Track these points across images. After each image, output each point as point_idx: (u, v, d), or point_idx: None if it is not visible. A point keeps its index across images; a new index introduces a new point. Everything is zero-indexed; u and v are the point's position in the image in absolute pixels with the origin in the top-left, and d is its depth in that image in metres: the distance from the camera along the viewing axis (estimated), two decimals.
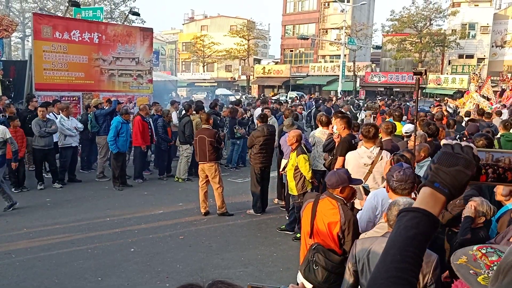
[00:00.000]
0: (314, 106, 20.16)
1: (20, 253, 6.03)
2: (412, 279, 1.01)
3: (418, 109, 6.67)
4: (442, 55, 41.11)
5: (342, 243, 3.52)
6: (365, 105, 21.56)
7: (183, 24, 69.40)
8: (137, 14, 24.15)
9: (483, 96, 15.52)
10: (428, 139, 6.81)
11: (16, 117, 9.51)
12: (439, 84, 36.86)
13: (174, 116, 12.42)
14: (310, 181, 6.79)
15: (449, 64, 41.08)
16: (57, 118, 10.04)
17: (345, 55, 37.61)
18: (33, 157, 9.80)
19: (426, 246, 1.07)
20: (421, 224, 1.06)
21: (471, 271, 1.26)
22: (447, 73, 39.01)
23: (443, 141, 5.77)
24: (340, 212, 3.54)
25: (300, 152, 6.75)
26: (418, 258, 1.04)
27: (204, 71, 55.87)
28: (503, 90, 18.38)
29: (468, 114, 12.08)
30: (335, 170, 3.90)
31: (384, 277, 1.02)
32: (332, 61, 45.03)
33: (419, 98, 6.95)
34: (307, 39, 37.46)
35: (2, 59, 13.80)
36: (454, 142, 1.14)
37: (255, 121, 11.33)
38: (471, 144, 1.13)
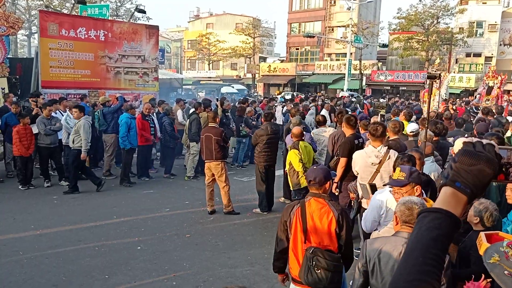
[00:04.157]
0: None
1: (28, 250, 6.04)
2: (435, 282, 0.99)
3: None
4: (449, 54, 40.88)
5: (339, 239, 3.49)
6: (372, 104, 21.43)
7: (188, 22, 69.51)
8: (143, 12, 24.24)
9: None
10: (434, 138, 6.77)
11: (26, 114, 9.53)
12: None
13: (180, 114, 12.40)
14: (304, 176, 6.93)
15: (456, 62, 40.84)
16: (63, 116, 10.05)
17: (351, 54, 37.47)
18: (38, 155, 9.82)
19: (448, 248, 1.05)
20: (444, 225, 1.04)
21: (505, 272, 1.21)
22: (454, 72, 38.77)
23: (461, 139, 5.71)
24: (331, 208, 3.50)
25: (293, 147, 7.02)
26: (440, 260, 1.02)
27: (209, 69, 55.92)
28: (491, 88, 17.86)
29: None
30: (314, 167, 3.80)
31: (406, 280, 1.00)
32: (338, 59, 44.85)
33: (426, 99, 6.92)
34: (313, 37, 37.42)
35: (9, 56, 13.82)
36: (476, 140, 1.11)
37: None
38: (493, 142, 1.11)
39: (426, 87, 15.73)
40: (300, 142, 7.08)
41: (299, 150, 6.93)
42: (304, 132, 7.99)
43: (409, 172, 3.51)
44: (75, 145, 9.05)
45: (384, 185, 4.73)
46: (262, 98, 22.48)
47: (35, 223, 7.21)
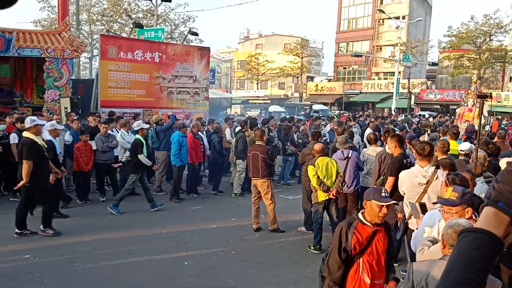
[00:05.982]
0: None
1: (83, 262, 6.32)
2: None
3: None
4: (503, 72, 39.28)
5: None
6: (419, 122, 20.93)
7: (238, 43, 70.97)
8: (196, 34, 25.09)
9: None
10: (487, 159, 6.59)
11: (86, 131, 10.12)
12: (499, 102, 35.12)
13: (228, 133, 12.69)
14: (324, 192, 7.03)
15: (510, 80, 39.15)
16: (118, 133, 10.57)
17: (399, 72, 36.88)
18: (95, 171, 10.34)
19: (489, 269, 1.01)
20: (484, 245, 1.01)
21: None
22: (508, 90, 37.20)
23: (505, 159, 5.55)
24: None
25: (311, 163, 7.21)
26: (481, 281, 0.98)
27: (258, 89, 56.63)
28: None
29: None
30: (373, 186, 3.94)
31: None
32: (386, 78, 44.23)
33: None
34: (361, 56, 37.19)
35: (72, 78, 14.75)
36: None
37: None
38: None
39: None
40: (319, 158, 7.19)
41: (314, 166, 7.09)
42: (350, 151, 8.01)
43: (462, 193, 3.43)
44: None
45: (433, 203, 4.68)
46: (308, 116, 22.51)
47: (90, 235, 7.56)
